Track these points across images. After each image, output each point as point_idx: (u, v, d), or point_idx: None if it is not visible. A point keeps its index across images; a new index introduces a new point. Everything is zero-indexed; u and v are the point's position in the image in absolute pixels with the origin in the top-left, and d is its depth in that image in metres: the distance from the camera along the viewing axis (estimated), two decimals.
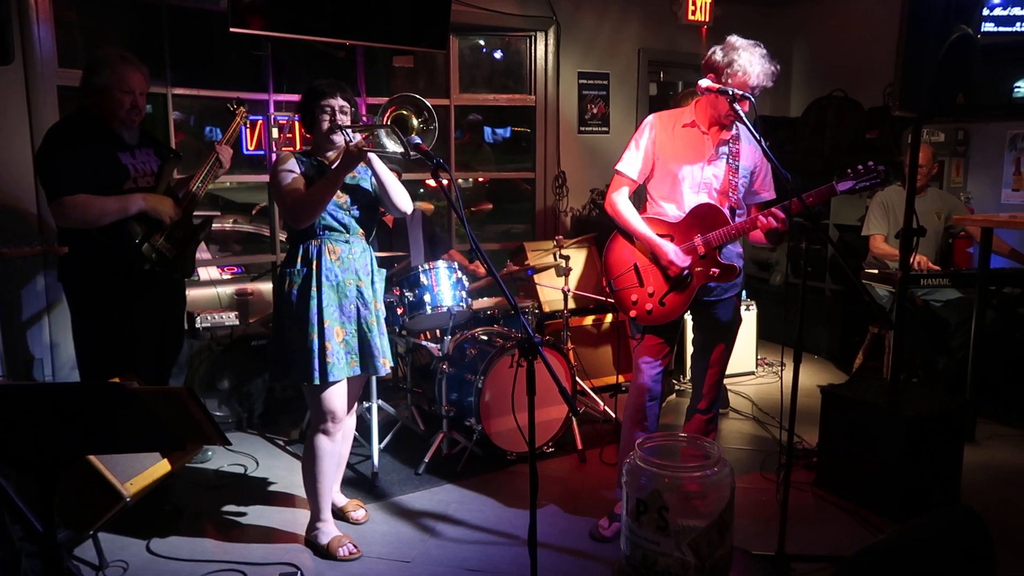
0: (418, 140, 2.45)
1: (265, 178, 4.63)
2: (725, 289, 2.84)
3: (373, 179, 2.73)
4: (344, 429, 2.83)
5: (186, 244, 3.11)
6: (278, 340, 2.69)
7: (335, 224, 2.65)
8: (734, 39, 2.64)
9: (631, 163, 2.82)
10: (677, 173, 2.76)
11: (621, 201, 2.85)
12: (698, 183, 2.76)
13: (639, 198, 2.95)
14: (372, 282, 2.75)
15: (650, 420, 2.92)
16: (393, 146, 2.65)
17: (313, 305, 2.59)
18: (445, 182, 2.19)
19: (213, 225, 5.82)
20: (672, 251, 2.73)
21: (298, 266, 2.62)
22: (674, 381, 4.63)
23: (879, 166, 2.53)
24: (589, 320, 4.60)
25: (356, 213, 2.70)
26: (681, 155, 2.75)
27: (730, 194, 2.75)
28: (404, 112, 2.63)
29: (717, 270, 2.72)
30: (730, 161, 2.74)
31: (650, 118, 2.84)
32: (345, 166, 2.54)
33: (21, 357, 3.81)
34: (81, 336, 3.08)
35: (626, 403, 2.97)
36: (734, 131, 2.75)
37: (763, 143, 2.54)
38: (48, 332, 3.88)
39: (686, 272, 2.73)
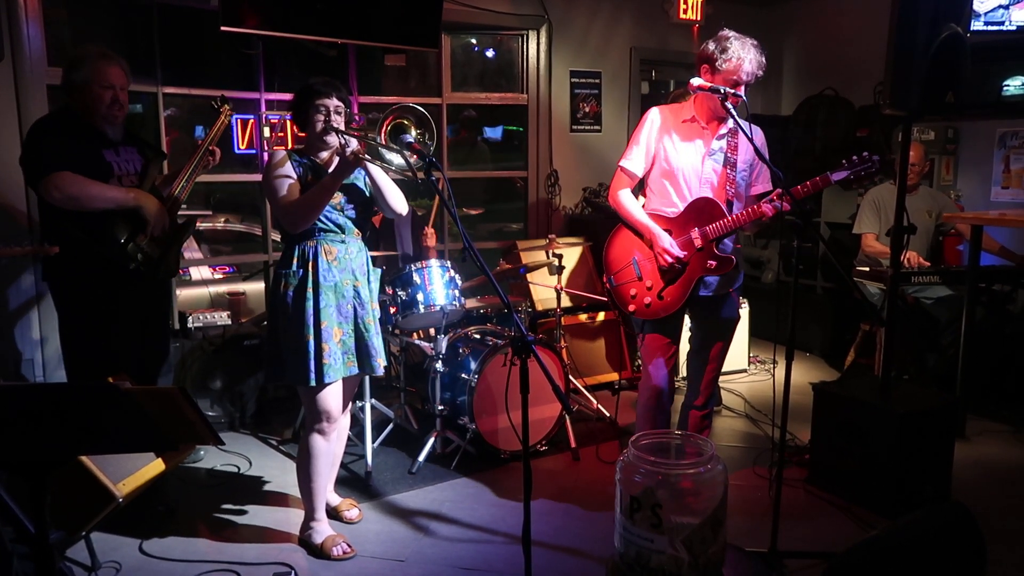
0: (411, 139, 2.45)
1: (256, 177, 4.63)
2: (723, 285, 2.86)
3: (367, 179, 2.72)
4: (339, 429, 2.83)
5: (170, 245, 3.11)
6: (273, 341, 2.68)
7: (330, 225, 2.64)
8: (726, 31, 2.67)
9: (634, 159, 2.85)
10: (677, 167, 2.78)
11: (624, 195, 2.88)
12: (698, 177, 2.78)
13: (638, 192, 2.97)
14: (368, 281, 2.75)
15: (661, 421, 2.94)
16: (389, 156, 2.64)
17: (309, 307, 2.58)
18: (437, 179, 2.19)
19: (205, 225, 5.80)
20: (667, 241, 2.76)
21: (294, 267, 2.61)
22: None
23: (874, 156, 2.54)
24: (582, 318, 4.61)
25: (351, 214, 2.69)
26: (681, 149, 2.77)
27: (728, 187, 2.76)
28: (404, 121, 2.64)
29: (714, 262, 2.74)
30: (728, 155, 2.76)
31: (652, 112, 2.86)
32: (341, 173, 2.52)
33: (10, 357, 3.79)
34: (66, 334, 3.07)
35: (639, 405, 2.98)
36: (731, 124, 2.76)
37: (754, 140, 2.55)
38: (38, 332, 3.86)
39: (678, 265, 2.75)
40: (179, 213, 3.20)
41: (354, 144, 2.52)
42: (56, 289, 3.04)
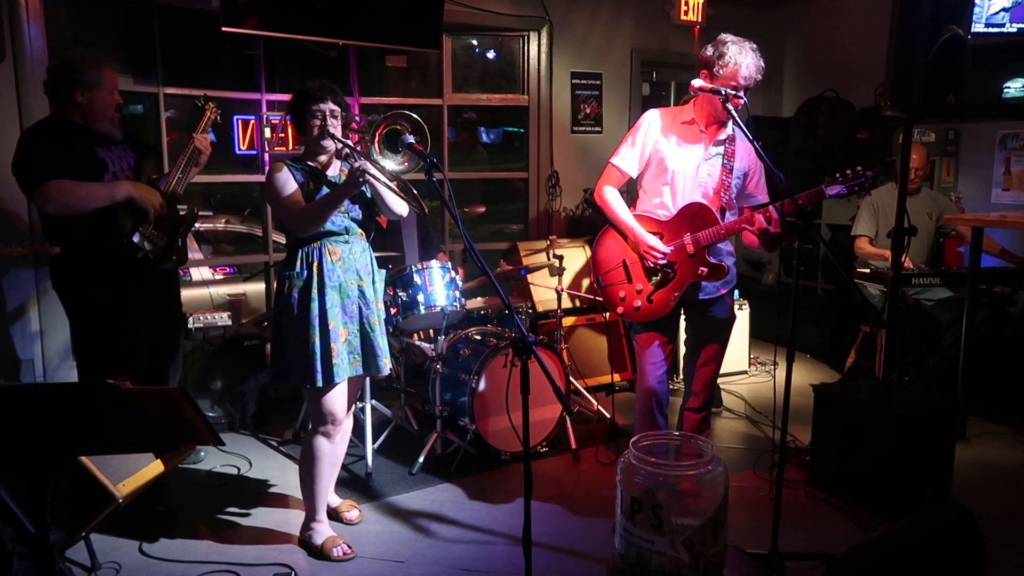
0: (411, 139, 2.45)
1: (257, 178, 4.63)
2: (717, 287, 2.85)
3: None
4: (342, 431, 2.82)
5: (174, 233, 3.13)
6: (278, 343, 2.68)
7: (335, 228, 2.64)
8: (724, 35, 2.67)
9: (627, 157, 2.83)
10: (673, 170, 2.76)
11: (609, 192, 2.86)
12: (693, 181, 2.77)
13: (630, 194, 2.95)
14: (373, 282, 2.75)
15: (660, 422, 2.93)
16: (392, 165, 2.65)
17: (314, 308, 2.58)
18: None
19: (206, 225, 5.80)
20: (652, 240, 2.75)
21: (298, 269, 2.62)
22: None
23: (867, 172, 2.56)
24: (583, 319, 4.61)
25: (356, 215, 2.70)
26: (678, 152, 2.76)
27: (722, 194, 2.76)
28: (398, 127, 2.64)
29: (705, 269, 2.73)
30: (725, 161, 2.75)
31: (649, 113, 2.84)
32: (348, 188, 2.54)
33: (10, 356, 3.79)
34: (81, 340, 3.08)
35: (635, 408, 2.98)
36: (730, 131, 2.76)
37: (756, 142, 2.55)
38: (38, 332, 3.86)
39: (665, 265, 2.74)
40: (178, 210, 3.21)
41: (363, 163, 2.52)
42: (66, 294, 3.05)
